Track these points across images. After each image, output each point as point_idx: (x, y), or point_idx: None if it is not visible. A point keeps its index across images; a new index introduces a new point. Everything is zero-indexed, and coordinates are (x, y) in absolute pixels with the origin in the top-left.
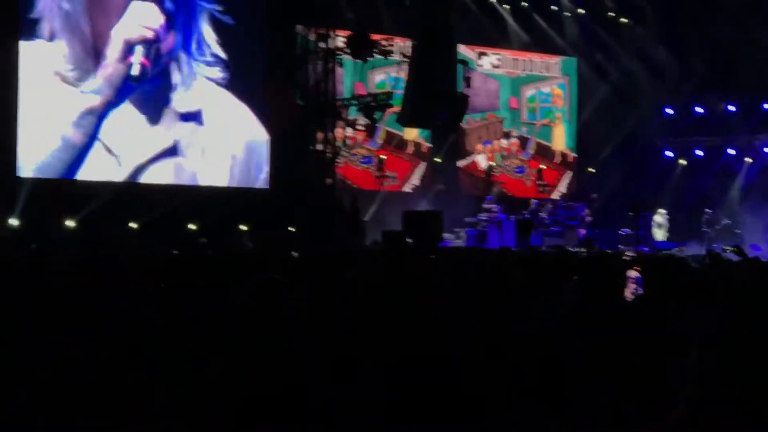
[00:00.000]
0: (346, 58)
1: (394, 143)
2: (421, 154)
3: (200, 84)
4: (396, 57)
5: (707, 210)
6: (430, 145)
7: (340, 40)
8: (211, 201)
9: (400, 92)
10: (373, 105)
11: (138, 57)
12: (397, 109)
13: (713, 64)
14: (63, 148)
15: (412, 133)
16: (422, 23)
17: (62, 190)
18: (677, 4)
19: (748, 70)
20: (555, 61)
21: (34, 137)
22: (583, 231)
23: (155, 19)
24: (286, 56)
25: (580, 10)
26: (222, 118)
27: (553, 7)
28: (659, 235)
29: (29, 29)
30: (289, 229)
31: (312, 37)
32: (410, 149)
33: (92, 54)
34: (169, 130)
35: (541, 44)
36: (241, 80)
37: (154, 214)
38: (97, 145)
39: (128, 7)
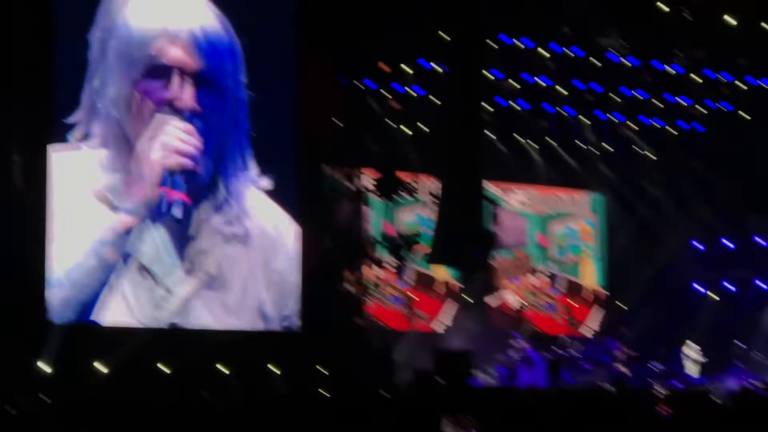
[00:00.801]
0: (375, 199)
1: (424, 282)
2: (451, 292)
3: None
4: (424, 196)
5: (739, 344)
6: (459, 284)
7: (367, 180)
8: (242, 343)
9: (428, 231)
10: (401, 245)
11: (179, 192)
12: (425, 248)
13: (742, 198)
14: (98, 267)
15: (441, 272)
16: (449, 162)
17: (92, 333)
18: (706, 142)
19: None
20: (583, 197)
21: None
22: (621, 368)
23: (192, 142)
24: (315, 197)
25: (608, 147)
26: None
27: (580, 144)
28: (692, 370)
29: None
30: (320, 369)
31: (339, 177)
32: (440, 288)
33: (130, 170)
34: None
35: (568, 181)
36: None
37: (185, 357)
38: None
39: (164, 125)
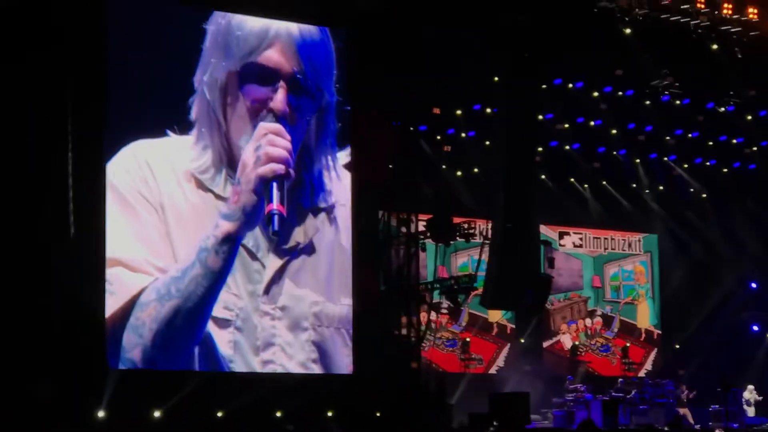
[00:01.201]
0: (429, 242)
1: (479, 325)
2: (506, 335)
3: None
4: (478, 239)
5: None
6: (514, 326)
7: (422, 224)
8: (296, 387)
9: (482, 274)
10: (456, 288)
11: (276, 203)
12: (480, 291)
13: None
14: (205, 275)
15: (496, 315)
16: (503, 205)
17: (148, 379)
18: (759, 179)
19: None
20: (636, 237)
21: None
22: (681, 409)
23: (284, 145)
24: (370, 240)
25: (660, 187)
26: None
27: (632, 185)
28: (749, 411)
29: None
30: (376, 414)
31: (394, 222)
32: (495, 331)
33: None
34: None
35: (622, 222)
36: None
37: (239, 401)
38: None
39: (257, 128)
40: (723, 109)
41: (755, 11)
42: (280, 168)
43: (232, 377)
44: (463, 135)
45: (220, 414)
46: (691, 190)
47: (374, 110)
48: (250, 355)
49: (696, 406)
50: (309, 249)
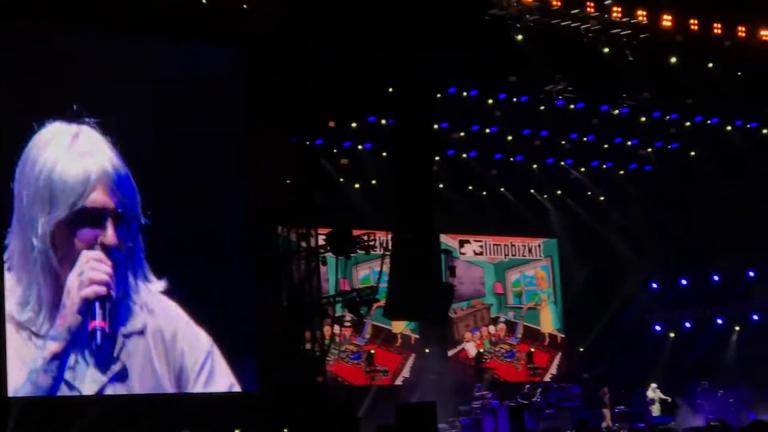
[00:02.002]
0: (330, 256)
1: (383, 337)
2: (410, 346)
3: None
4: (378, 251)
5: (703, 382)
6: (418, 336)
7: (321, 238)
8: (202, 407)
9: (384, 286)
10: (358, 300)
11: (98, 320)
12: (382, 303)
13: (695, 236)
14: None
15: (399, 326)
16: (402, 216)
17: (49, 406)
18: (655, 180)
19: (730, 238)
20: (536, 243)
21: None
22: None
23: (105, 270)
24: (269, 257)
25: (558, 191)
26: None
27: (530, 190)
28: (654, 409)
29: None
30: (284, 430)
31: (293, 237)
32: (399, 342)
33: (54, 301)
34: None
35: (521, 227)
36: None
37: (148, 424)
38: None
39: (79, 256)
40: (617, 111)
41: (644, 13)
42: (101, 289)
43: (138, 400)
44: (360, 147)
45: None
46: (589, 193)
47: (270, 128)
48: None
49: (599, 409)
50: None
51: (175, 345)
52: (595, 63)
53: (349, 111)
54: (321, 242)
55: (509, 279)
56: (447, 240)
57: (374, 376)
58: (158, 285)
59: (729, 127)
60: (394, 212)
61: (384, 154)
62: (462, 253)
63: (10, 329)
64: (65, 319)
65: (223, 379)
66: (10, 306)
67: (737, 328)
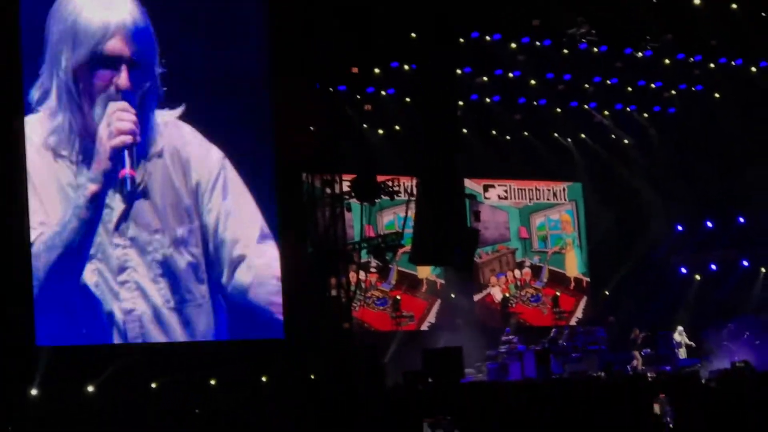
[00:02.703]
0: (354, 202)
1: (408, 283)
2: (436, 291)
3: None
4: (403, 197)
5: (729, 324)
6: (443, 281)
7: (346, 184)
8: (228, 354)
9: (409, 231)
10: (383, 246)
11: (128, 168)
12: (408, 248)
13: (720, 179)
14: (80, 226)
15: (425, 272)
16: (426, 161)
17: (78, 355)
18: (679, 123)
19: (755, 182)
20: (561, 187)
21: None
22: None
23: (130, 119)
24: (294, 204)
25: (582, 135)
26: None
27: (554, 135)
28: (681, 353)
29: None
30: (311, 377)
31: (318, 183)
32: (424, 287)
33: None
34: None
35: (546, 172)
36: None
37: (172, 372)
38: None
39: (106, 108)
40: (640, 54)
41: None
42: (128, 138)
43: (164, 348)
44: (383, 93)
45: (154, 385)
46: (613, 136)
47: (294, 75)
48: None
49: (625, 352)
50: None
51: (189, 162)
52: (618, 5)
53: (372, 57)
54: (345, 188)
55: (534, 223)
56: (471, 185)
57: (400, 322)
58: (174, 112)
59: (753, 69)
60: (418, 158)
61: (407, 99)
62: (486, 198)
63: (48, 158)
64: (100, 164)
65: (237, 191)
66: (46, 136)
67: (763, 270)
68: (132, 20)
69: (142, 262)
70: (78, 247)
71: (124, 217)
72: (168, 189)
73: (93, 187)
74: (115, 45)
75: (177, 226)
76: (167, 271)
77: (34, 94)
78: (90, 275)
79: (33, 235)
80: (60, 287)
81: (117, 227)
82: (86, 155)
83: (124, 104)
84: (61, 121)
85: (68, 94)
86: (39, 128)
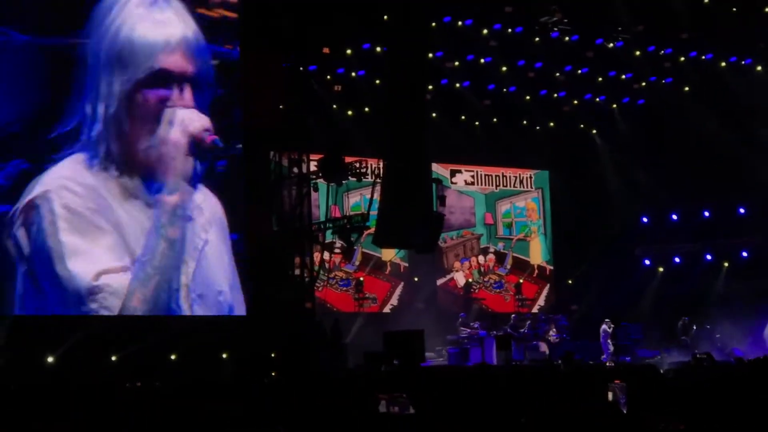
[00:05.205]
0: (321, 182)
1: (372, 264)
2: (399, 274)
3: None
4: (370, 178)
5: (684, 317)
6: (407, 264)
7: (313, 164)
8: (189, 329)
9: (375, 213)
10: (348, 227)
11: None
12: (373, 230)
13: (687, 171)
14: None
15: (389, 254)
16: (394, 143)
17: (39, 325)
18: (648, 115)
19: (722, 175)
20: (528, 174)
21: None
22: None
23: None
24: (261, 182)
25: (552, 124)
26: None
27: (524, 122)
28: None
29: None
30: (271, 355)
31: (285, 162)
32: (388, 270)
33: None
34: None
35: (513, 159)
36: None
37: (134, 345)
38: None
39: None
40: (612, 44)
41: None
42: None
43: (126, 320)
44: (354, 74)
45: (114, 358)
46: (581, 126)
47: (264, 52)
48: None
49: (585, 340)
50: None
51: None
52: None
53: (344, 37)
54: (313, 168)
55: (500, 210)
56: (438, 169)
57: (363, 303)
58: None
59: (723, 63)
60: (387, 140)
61: (378, 81)
62: (453, 183)
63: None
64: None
65: None
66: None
67: (726, 264)
68: (193, 34)
69: None
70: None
71: None
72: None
73: (173, 199)
74: (177, 60)
75: None
76: None
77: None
78: None
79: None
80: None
81: None
82: None
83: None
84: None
85: (116, 124)
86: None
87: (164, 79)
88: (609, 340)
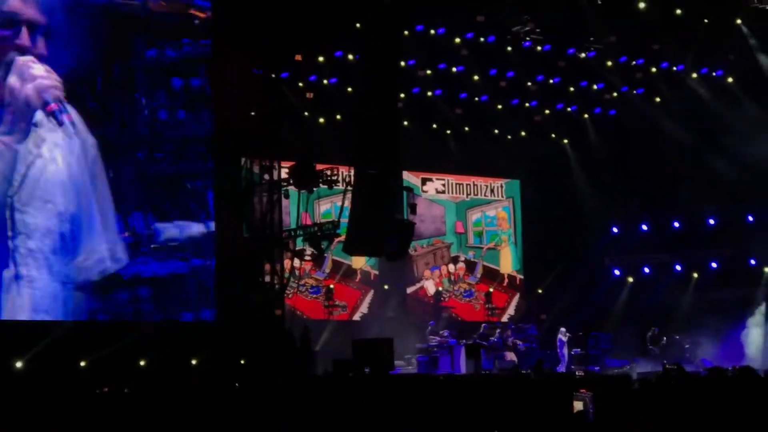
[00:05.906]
0: (292, 189)
1: (342, 272)
2: (370, 282)
3: None
4: (341, 186)
5: (653, 328)
6: (377, 272)
7: (284, 171)
8: (159, 335)
9: (346, 221)
10: (319, 235)
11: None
12: (343, 238)
13: (657, 182)
14: None
15: (359, 262)
16: (365, 151)
17: (9, 329)
18: (619, 125)
19: (692, 186)
20: (499, 183)
21: None
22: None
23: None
24: (232, 188)
25: (523, 133)
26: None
27: (495, 132)
28: (565, 352)
29: None
30: (240, 362)
31: (256, 169)
32: (358, 278)
33: None
34: None
35: (484, 168)
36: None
37: (103, 350)
38: None
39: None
40: (583, 54)
41: None
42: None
43: (95, 326)
44: (326, 82)
45: (83, 363)
46: (553, 135)
47: (235, 58)
48: None
49: (555, 350)
50: None
51: None
52: (563, 5)
53: (316, 45)
54: (284, 175)
55: (470, 218)
56: (409, 177)
57: (332, 311)
58: None
59: (694, 75)
60: (358, 148)
61: (350, 89)
62: (424, 191)
63: None
64: (12, 115)
65: None
66: None
67: (695, 275)
68: None
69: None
70: None
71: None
72: None
73: (6, 140)
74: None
75: None
76: None
77: None
78: None
79: None
80: None
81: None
82: None
83: (30, 57)
84: None
85: None
86: None
87: (10, 21)
88: (565, 349)
